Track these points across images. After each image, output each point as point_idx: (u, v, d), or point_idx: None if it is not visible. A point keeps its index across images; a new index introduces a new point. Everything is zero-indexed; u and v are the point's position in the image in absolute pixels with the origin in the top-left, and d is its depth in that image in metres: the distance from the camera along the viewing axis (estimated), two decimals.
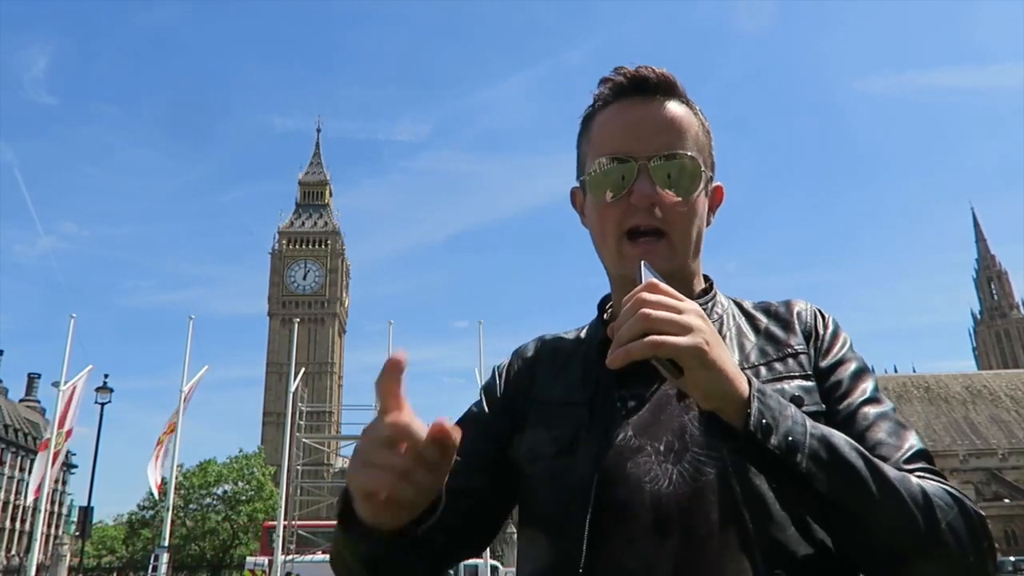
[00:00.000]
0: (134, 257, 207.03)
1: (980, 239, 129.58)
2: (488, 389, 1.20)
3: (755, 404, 0.81)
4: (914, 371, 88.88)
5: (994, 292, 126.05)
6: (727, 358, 0.82)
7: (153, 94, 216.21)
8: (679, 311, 0.79)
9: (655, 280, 0.84)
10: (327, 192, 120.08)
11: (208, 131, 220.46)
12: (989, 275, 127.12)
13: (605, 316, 1.17)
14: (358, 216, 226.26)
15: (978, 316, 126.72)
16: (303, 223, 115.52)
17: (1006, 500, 65.54)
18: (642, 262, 0.90)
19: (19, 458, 76.71)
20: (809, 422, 0.85)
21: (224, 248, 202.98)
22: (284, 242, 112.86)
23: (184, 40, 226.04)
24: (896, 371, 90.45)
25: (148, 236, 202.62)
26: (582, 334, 1.19)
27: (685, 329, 0.78)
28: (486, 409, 1.17)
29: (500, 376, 1.20)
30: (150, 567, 27.52)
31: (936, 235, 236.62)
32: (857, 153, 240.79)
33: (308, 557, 32.35)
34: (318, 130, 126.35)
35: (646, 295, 0.80)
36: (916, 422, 76.62)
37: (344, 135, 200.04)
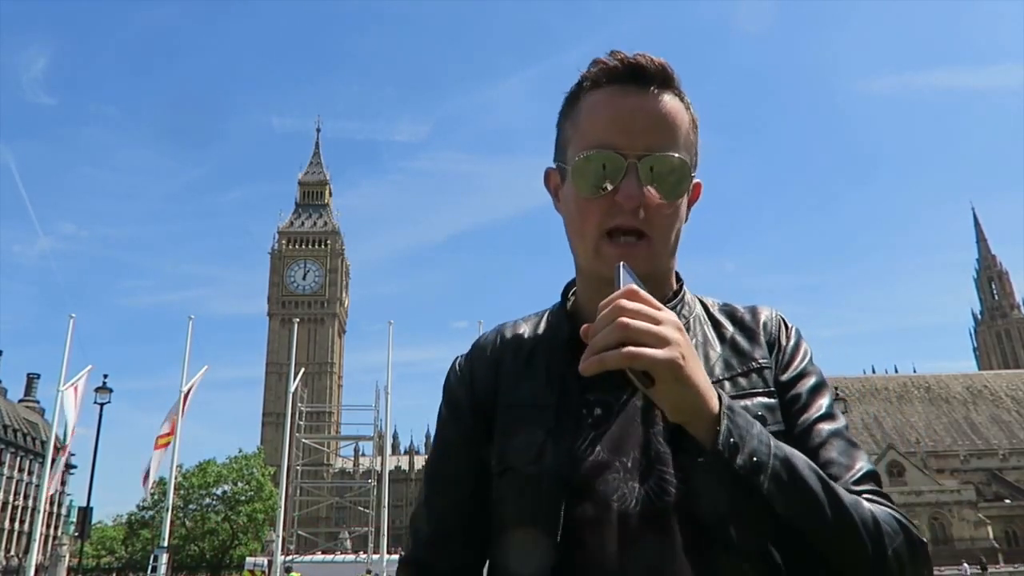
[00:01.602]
0: (133, 257, 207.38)
1: (981, 239, 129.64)
2: (453, 397, 1.14)
3: (724, 422, 0.81)
4: (915, 371, 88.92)
5: (995, 292, 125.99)
6: (701, 373, 0.82)
7: (152, 94, 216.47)
8: (657, 321, 0.78)
9: (634, 287, 0.81)
10: (327, 192, 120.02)
11: (207, 131, 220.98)
12: (990, 275, 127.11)
13: (568, 306, 1.12)
14: (357, 216, 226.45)
15: (979, 316, 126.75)
16: (303, 223, 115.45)
17: (1007, 500, 65.46)
18: (621, 264, 0.87)
19: (18, 458, 76.52)
20: (773, 442, 0.85)
21: (224, 248, 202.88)
22: (284, 242, 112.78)
23: (183, 40, 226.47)
24: (897, 371, 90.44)
25: (147, 236, 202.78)
26: (542, 323, 1.13)
27: (662, 341, 0.77)
28: (456, 427, 1.12)
29: (461, 378, 1.14)
30: (149, 567, 27.40)
31: (936, 235, 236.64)
32: (857, 153, 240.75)
33: (308, 557, 32.31)
34: (318, 130, 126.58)
35: (625, 303, 0.79)
36: (916, 422, 76.62)
37: (343, 135, 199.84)
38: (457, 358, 1.18)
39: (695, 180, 1.07)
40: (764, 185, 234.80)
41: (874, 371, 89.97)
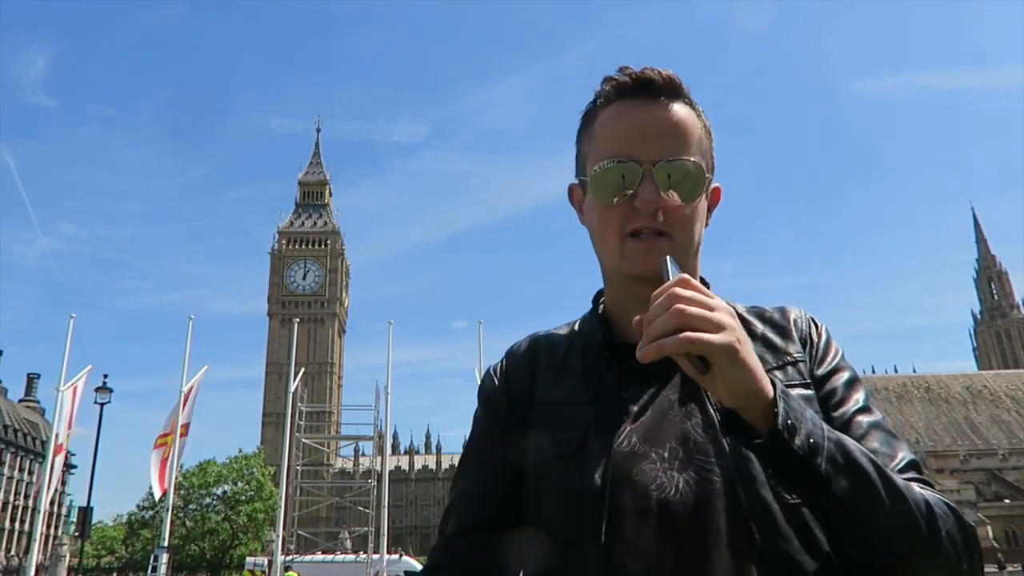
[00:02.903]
0: (133, 258, 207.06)
1: (980, 239, 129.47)
2: (489, 396, 1.17)
3: (781, 404, 0.81)
4: (914, 371, 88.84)
5: (994, 292, 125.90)
6: (754, 357, 0.82)
7: (152, 95, 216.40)
8: (711, 308, 0.79)
9: (686, 276, 0.83)
10: (327, 192, 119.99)
11: (207, 132, 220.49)
12: (989, 275, 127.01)
13: (600, 311, 1.16)
14: (357, 217, 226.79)
15: (978, 316, 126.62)
16: (303, 223, 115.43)
17: (1006, 500, 65.50)
18: (668, 257, 0.90)
19: (18, 458, 76.55)
20: (826, 426, 0.86)
21: (223, 248, 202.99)
22: (284, 242, 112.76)
23: (182, 41, 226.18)
24: (896, 371, 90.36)
25: (147, 236, 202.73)
26: (575, 329, 1.18)
27: (718, 327, 0.78)
28: (493, 422, 1.14)
29: (498, 378, 1.17)
30: (149, 567, 27.41)
31: (936, 235, 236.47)
32: (857, 153, 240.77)
33: (308, 557, 32.33)
34: (318, 130, 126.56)
35: (679, 290, 0.80)
36: (916, 422, 76.62)
37: (342, 136, 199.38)
38: (490, 367, 1.21)
39: (714, 184, 1.11)
40: (763, 185, 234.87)
41: (874, 371, 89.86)
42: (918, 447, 70.12)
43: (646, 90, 1.05)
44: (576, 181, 1.14)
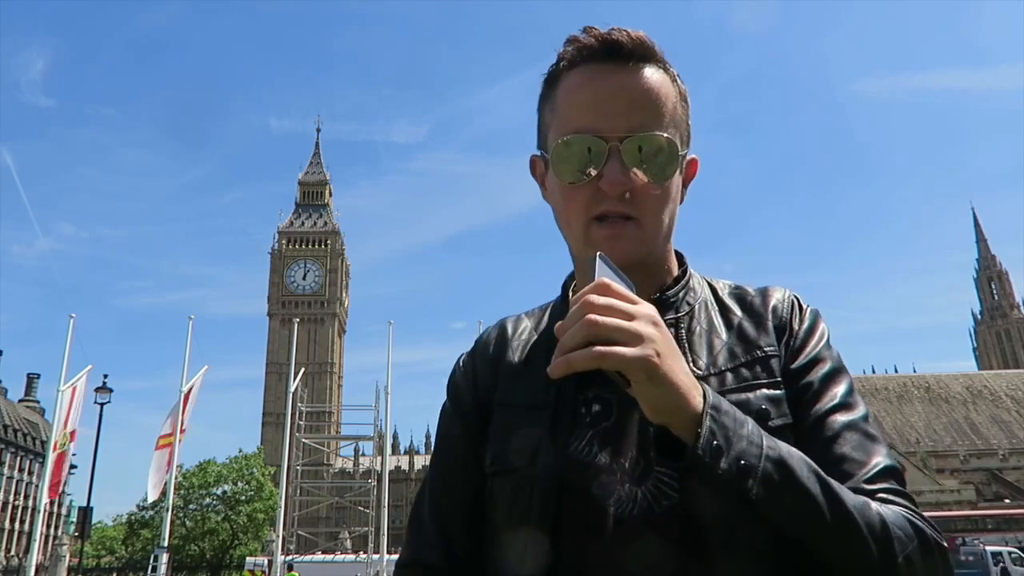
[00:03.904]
0: (132, 258, 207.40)
1: (980, 239, 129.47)
2: (456, 394, 1.10)
3: (706, 423, 0.75)
4: (915, 371, 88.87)
5: (994, 292, 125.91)
6: (680, 370, 0.75)
7: (151, 95, 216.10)
8: (629, 316, 0.72)
9: (606, 280, 0.75)
10: (327, 192, 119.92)
11: (206, 132, 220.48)
12: (989, 275, 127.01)
13: (570, 297, 1.04)
14: (357, 217, 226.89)
15: (978, 316, 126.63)
16: (303, 223, 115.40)
17: (1007, 500, 65.50)
18: (598, 254, 0.80)
19: (18, 458, 76.50)
20: (767, 442, 0.79)
21: (223, 248, 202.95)
22: (284, 242, 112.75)
23: (182, 41, 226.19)
24: (896, 371, 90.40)
25: (147, 237, 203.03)
26: (543, 318, 1.09)
27: (635, 338, 0.71)
28: (459, 422, 1.07)
29: (465, 375, 1.10)
30: (149, 567, 27.38)
31: (936, 235, 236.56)
32: (858, 153, 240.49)
33: (308, 557, 32.37)
34: (318, 130, 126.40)
35: (594, 298, 0.72)
36: (916, 422, 76.64)
37: (341, 137, 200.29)
38: (461, 356, 1.14)
39: (690, 156, 1.00)
40: (763, 185, 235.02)
41: (874, 371, 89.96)
42: (918, 447, 70.17)
43: (614, 54, 0.93)
44: (538, 153, 1.04)
